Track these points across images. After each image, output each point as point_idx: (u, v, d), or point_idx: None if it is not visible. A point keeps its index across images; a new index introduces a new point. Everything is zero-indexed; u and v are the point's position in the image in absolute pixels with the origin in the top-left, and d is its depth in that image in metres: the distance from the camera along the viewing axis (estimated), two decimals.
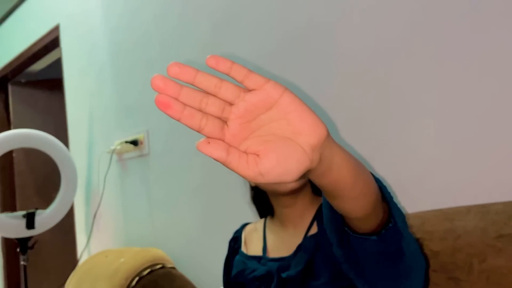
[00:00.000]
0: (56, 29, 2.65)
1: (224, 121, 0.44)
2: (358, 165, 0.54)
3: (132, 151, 2.08)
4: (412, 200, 1.15)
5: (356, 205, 0.56)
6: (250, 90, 0.44)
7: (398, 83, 1.21)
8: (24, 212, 2.10)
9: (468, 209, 0.91)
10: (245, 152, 0.44)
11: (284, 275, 0.87)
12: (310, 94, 1.41)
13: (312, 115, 0.45)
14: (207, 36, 1.77)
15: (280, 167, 0.43)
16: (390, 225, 0.62)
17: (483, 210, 0.88)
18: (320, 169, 0.48)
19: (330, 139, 0.47)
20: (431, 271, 0.90)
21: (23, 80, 3.31)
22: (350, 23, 1.30)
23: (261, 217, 1.09)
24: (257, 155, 0.44)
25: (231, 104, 0.44)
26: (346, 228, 0.64)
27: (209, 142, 0.44)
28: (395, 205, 0.63)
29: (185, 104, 0.43)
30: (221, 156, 0.44)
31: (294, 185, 0.91)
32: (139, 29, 2.09)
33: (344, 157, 0.50)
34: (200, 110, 0.44)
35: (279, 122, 0.44)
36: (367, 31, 1.26)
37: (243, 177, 0.44)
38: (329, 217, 0.66)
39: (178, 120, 0.43)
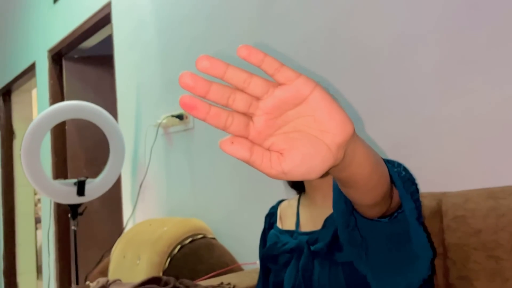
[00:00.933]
0: (108, 5, 2.74)
1: (249, 117, 0.43)
2: (376, 158, 0.53)
3: (178, 125, 2.14)
4: (457, 179, 1.13)
5: (368, 195, 0.55)
6: (279, 85, 0.42)
7: (443, 62, 1.18)
8: (75, 180, 2.21)
9: None
10: (268, 149, 0.43)
11: (313, 248, 0.90)
12: (342, 86, 1.40)
13: (341, 112, 0.43)
14: (254, 12, 1.77)
15: (304, 166, 0.43)
16: (400, 210, 0.62)
17: None
18: (341, 164, 0.47)
19: (355, 136, 0.46)
20: (472, 249, 0.89)
21: (75, 56, 3.45)
22: (379, 13, 1.28)
23: (296, 193, 1.12)
24: (281, 153, 0.43)
25: (258, 99, 0.42)
26: (354, 212, 0.64)
27: (232, 142, 0.42)
28: (405, 193, 0.61)
29: (210, 104, 0.42)
30: (244, 156, 0.42)
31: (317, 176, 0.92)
32: (186, 6, 2.12)
33: (365, 152, 0.50)
34: (226, 106, 0.42)
35: (306, 118, 0.43)
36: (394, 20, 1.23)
37: (266, 175, 0.43)
38: (337, 200, 0.66)
39: (203, 120, 0.42)
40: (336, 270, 0.86)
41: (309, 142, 0.43)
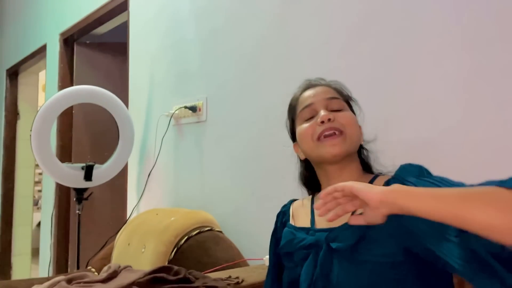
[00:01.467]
0: None
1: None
2: (456, 207, 0.63)
3: (190, 116, 2.14)
4: None
5: (490, 232, 0.60)
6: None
7: (466, 69, 1.18)
8: (83, 164, 2.21)
9: None
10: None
11: (334, 245, 0.89)
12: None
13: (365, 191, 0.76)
14: (274, 8, 1.77)
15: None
16: None
17: None
18: (405, 211, 0.69)
19: (389, 197, 0.71)
20: None
21: (87, 41, 3.44)
22: (403, 15, 1.28)
23: (309, 193, 1.12)
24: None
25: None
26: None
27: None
28: None
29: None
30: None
31: (337, 151, 0.94)
32: None
33: (421, 206, 0.67)
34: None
35: None
36: None
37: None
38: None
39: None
40: (357, 268, 0.85)
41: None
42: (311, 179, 1.09)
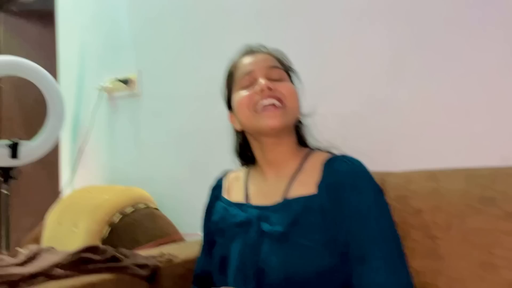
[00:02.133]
0: None
1: None
2: None
3: (123, 90, 2.05)
4: (401, 160, 1.16)
5: None
6: None
7: (394, 44, 1.19)
8: (8, 142, 2.07)
9: (455, 171, 0.91)
10: None
11: (264, 228, 0.88)
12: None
13: None
14: None
15: None
16: None
17: (469, 173, 0.89)
18: None
19: None
20: (411, 228, 0.92)
21: (15, 9, 3.20)
22: None
23: (242, 165, 1.09)
24: None
25: None
26: None
27: None
28: None
29: None
30: None
31: (276, 123, 0.90)
32: None
33: None
34: None
35: None
36: None
37: None
38: None
39: None
40: (287, 251, 0.84)
41: None
42: (246, 151, 1.05)
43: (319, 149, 1.00)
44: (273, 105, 0.89)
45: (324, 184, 0.87)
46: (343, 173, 0.87)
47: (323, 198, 0.86)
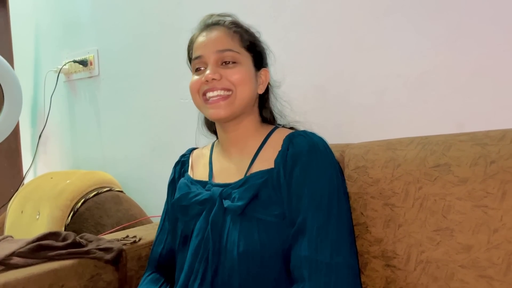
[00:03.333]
0: None
1: None
2: None
3: (82, 71, 1.98)
4: (360, 131, 1.17)
5: None
6: None
7: (352, 17, 1.18)
8: None
9: (411, 140, 0.92)
10: None
11: (226, 205, 0.87)
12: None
13: None
14: None
15: None
16: None
17: (425, 141, 0.90)
18: None
19: None
20: (370, 198, 0.93)
21: None
22: None
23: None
24: None
25: None
26: None
27: None
28: None
29: None
30: None
31: (221, 115, 0.90)
32: None
33: None
34: None
35: None
36: None
37: None
38: None
39: None
40: (248, 226, 0.84)
41: None
42: (213, 126, 1.06)
43: (283, 126, 0.99)
44: (219, 95, 0.89)
45: (279, 158, 0.87)
46: (299, 148, 0.86)
47: (279, 172, 0.86)
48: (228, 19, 0.96)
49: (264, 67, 0.98)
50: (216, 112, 0.89)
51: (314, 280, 0.77)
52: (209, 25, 0.96)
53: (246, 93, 0.91)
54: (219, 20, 0.96)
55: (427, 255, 0.82)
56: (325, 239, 0.79)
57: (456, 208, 0.80)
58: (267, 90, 1.00)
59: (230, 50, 0.91)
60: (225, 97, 0.89)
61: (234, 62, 0.91)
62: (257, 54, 0.96)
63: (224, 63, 0.91)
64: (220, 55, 0.90)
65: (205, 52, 0.91)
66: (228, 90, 0.89)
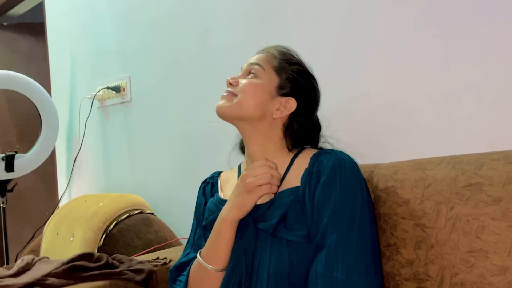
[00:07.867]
0: None
1: None
2: None
3: (114, 97, 2.05)
4: (390, 151, 1.16)
5: None
6: None
7: (379, 36, 1.19)
8: (3, 155, 2.07)
9: (441, 160, 0.91)
10: None
11: (260, 226, 0.88)
12: None
13: None
14: None
15: None
16: None
17: (455, 160, 0.88)
18: None
19: None
20: (400, 218, 0.91)
21: (5, 23, 3.20)
22: None
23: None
24: None
25: None
26: None
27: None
28: None
29: None
30: None
31: (219, 107, 0.96)
32: None
33: None
34: None
35: None
36: None
37: None
38: None
39: None
40: (279, 247, 0.84)
41: None
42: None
43: (311, 147, 1.00)
44: (228, 91, 0.97)
45: (305, 176, 0.88)
46: (324, 165, 0.86)
47: (304, 190, 0.86)
48: (279, 48, 1.01)
49: (293, 97, 0.96)
50: (218, 104, 0.97)
51: None
52: (259, 51, 1.02)
53: (247, 103, 0.93)
54: (269, 48, 1.02)
55: (461, 277, 0.80)
56: (343, 256, 0.78)
57: (490, 228, 0.78)
58: (294, 121, 0.97)
59: (257, 64, 0.97)
60: (230, 94, 0.96)
61: (254, 75, 0.95)
62: (286, 80, 0.96)
63: (249, 73, 0.97)
64: (249, 67, 0.98)
65: (244, 65, 1.00)
66: (233, 93, 0.96)
